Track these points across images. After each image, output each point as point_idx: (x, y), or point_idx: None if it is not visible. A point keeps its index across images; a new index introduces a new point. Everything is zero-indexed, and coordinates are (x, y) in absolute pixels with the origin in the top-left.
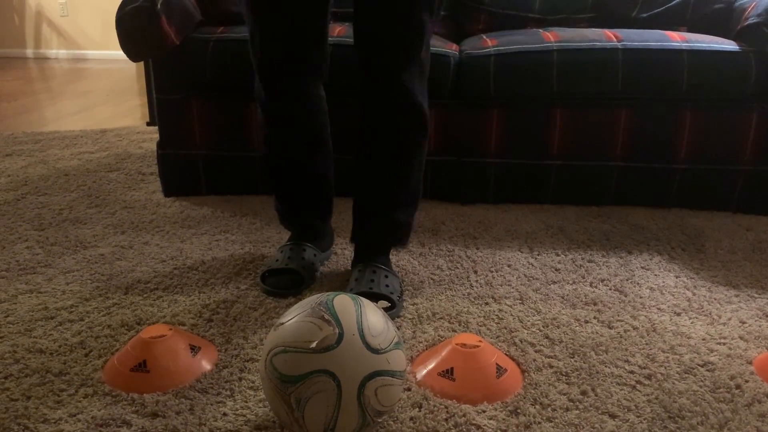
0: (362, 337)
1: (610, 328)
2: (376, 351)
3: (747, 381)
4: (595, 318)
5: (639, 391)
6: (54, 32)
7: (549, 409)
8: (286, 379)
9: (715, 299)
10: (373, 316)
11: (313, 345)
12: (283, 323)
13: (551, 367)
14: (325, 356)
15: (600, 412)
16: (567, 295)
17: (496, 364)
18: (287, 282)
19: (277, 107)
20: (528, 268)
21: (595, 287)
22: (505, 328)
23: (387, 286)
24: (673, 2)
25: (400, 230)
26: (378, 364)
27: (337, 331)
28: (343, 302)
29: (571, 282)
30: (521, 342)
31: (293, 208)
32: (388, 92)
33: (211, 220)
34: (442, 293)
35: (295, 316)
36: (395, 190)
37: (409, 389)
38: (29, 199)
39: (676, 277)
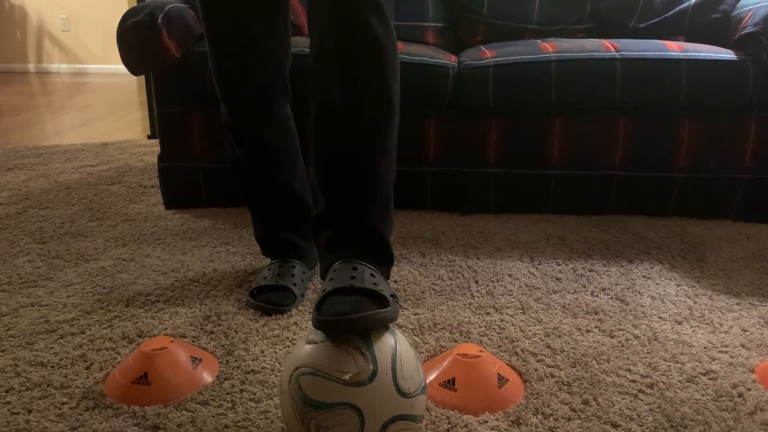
0: (394, 378)
1: (612, 337)
2: (404, 395)
3: (749, 389)
4: (596, 327)
5: (641, 400)
6: (55, 47)
7: (551, 419)
8: (311, 402)
9: (716, 307)
10: (407, 353)
11: (346, 377)
12: (316, 341)
13: (553, 376)
14: (356, 391)
15: (602, 421)
16: (568, 304)
17: (498, 374)
18: (279, 298)
19: (245, 131)
20: (529, 277)
21: (596, 296)
22: (507, 338)
23: (375, 284)
24: (671, 12)
25: (378, 239)
26: (404, 407)
27: (371, 367)
28: (381, 334)
29: (572, 291)
30: (523, 352)
31: (275, 232)
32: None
33: (212, 232)
34: (443, 303)
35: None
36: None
37: None
38: (31, 213)
39: (677, 286)
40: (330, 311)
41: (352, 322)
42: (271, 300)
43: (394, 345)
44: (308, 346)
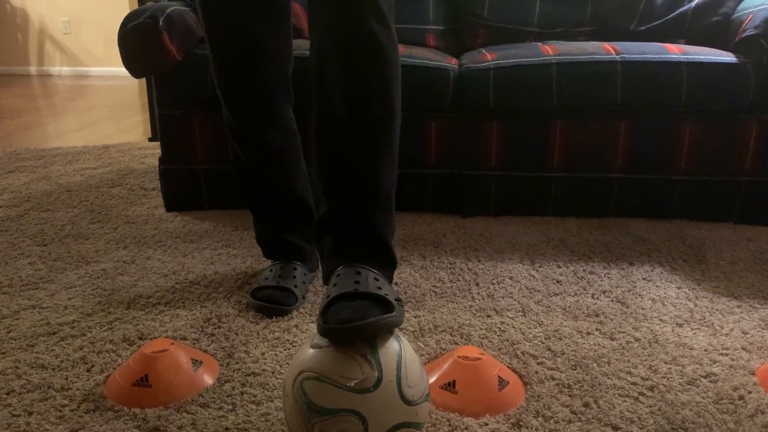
0: (399, 386)
1: (612, 339)
2: (408, 402)
3: (750, 392)
4: (597, 330)
5: (642, 402)
6: (57, 49)
7: (551, 421)
8: (315, 407)
9: (717, 310)
10: (412, 360)
11: (351, 384)
12: (321, 346)
13: (553, 379)
14: (360, 398)
15: (603, 424)
16: (569, 307)
17: (498, 376)
18: (280, 297)
19: (247, 133)
20: (529, 280)
21: (597, 299)
22: (507, 340)
23: (379, 288)
24: (671, 15)
25: (381, 242)
26: (407, 415)
27: (376, 375)
28: (386, 340)
29: (572, 294)
30: (523, 354)
31: (277, 234)
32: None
33: (213, 235)
34: (444, 306)
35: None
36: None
37: None
38: (32, 215)
39: (678, 288)
40: (336, 318)
41: (358, 329)
42: (272, 297)
43: (399, 352)
44: (312, 350)
